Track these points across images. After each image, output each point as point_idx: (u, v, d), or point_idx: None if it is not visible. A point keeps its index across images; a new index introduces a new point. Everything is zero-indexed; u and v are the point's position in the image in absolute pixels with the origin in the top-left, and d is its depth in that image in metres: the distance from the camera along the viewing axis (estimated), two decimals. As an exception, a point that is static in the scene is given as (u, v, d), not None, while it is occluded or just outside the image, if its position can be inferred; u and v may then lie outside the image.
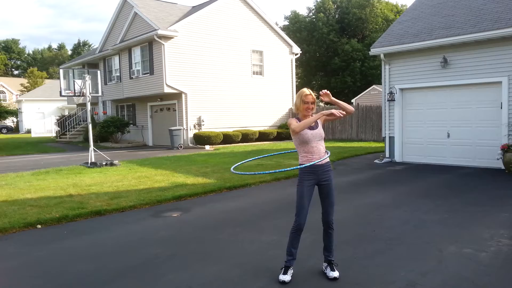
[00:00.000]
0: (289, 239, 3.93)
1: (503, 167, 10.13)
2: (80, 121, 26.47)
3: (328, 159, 3.97)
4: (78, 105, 27.34)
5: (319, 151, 3.87)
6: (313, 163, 3.81)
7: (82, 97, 13.15)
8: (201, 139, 18.95)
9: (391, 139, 12.70)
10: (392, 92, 12.41)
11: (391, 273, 3.99)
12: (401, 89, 12.42)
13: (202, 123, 19.85)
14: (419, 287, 3.67)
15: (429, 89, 11.88)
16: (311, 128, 3.88)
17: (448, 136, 11.53)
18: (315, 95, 3.97)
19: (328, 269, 3.95)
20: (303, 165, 3.83)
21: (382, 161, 12.56)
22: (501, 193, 7.61)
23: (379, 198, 7.48)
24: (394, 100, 12.43)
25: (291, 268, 3.91)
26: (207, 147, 18.61)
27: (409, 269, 4.07)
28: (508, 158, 9.76)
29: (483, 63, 10.67)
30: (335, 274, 3.89)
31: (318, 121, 3.93)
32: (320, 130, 3.93)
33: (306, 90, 3.92)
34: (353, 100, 35.96)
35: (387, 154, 12.83)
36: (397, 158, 12.56)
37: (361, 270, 4.10)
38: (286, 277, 3.83)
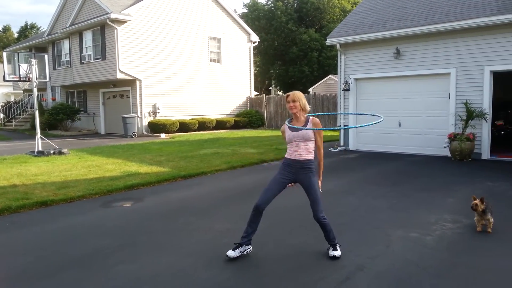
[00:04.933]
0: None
1: (449, 155, 10.61)
2: (27, 107, 25.15)
3: (308, 158, 4.02)
4: (25, 91, 25.90)
5: (296, 150, 4.02)
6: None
7: (28, 83, 12.44)
8: (156, 127, 18.54)
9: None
10: (347, 82, 12.63)
11: (341, 257, 4.06)
12: (356, 79, 12.66)
13: (157, 111, 19.40)
14: (367, 271, 3.75)
15: (382, 79, 12.19)
16: (295, 129, 4.02)
17: (400, 125, 11.91)
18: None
19: (330, 249, 4.11)
20: (284, 157, 4.18)
21: (337, 149, 12.81)
22: (447, 180, 7.96)
23: (332, 185, 7.60)
24: (349, 90, 12.66)
25: (243, 246, 4.06)
26: (163, 135, 18.25)
27: (358, 253, 4.16)
28: (454, 146, 10.22)
29: (434, 55, 11.05)
30: (333, 253, 4.05)
31: (309, 125, 4.02)
32: (303, 133, 3.98)
33: (289, 93, 4.09)
34: (310, 90, 36.40)
35: (341, 143, 13.09)
36: (351, 146, 12.85)
37: (312, 255, 4.14)
38: (231, 253, 4.01)
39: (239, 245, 4.07)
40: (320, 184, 4.11)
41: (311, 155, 4.05)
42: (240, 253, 4.06)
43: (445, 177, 8.22)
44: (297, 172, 4.04)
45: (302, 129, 3.99)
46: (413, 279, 3.59)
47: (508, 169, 9.03)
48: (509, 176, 8.21)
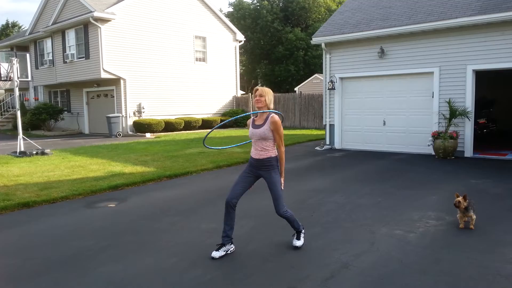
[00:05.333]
0: None
1: (433, 153, 10.74)
2: (9, 107, 24.66)
3: (267, 156, 4.07)
4: (6, 90, 25.40)
5: (256, 148, 4.11)
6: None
7: (9, 82, 12.21)
8: (141, 127, 18.37)
9: (331, 126, 13.03)
10: (333, 81, 12.69)
11: (326, 255, 4.08)
12: (341, 78, 12.72)
13: (142, 110, 19.22)
14: (352, 268, 3.78)
15: (367, 79, 12.27)
16: (256, 127, 4.10)
17: (384, 123, 12.01)
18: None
19: (294, 237, 4.35)
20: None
21: (323, 148, 12.86)
22: (431, 178, 8.05)
23: (318, 183, 7.63)
24: (334, 89, 12.72)
25: (226, 246, 4.13)
26: (148, 135, 18.09)
27: (343, 251, 4.18)
28: (438, 144, 10.35)
29: (417, 54, 11.17)
30: (295, 243, 4.29)
31: (268, 123, 4.03)
32: (261, 131, 4.04)
33: (257, 87, 4.16)
34: (296, 89, 36.49)
35: (327, 141, 13.15)
36: (337, 145, 12.92)
37: (297, 254, 4.15)
38: (215, 254, 4.08)
39: (222, 245, 4.13)
40: (282, 182, 4.14)
41: (270, 153, 4.08)
42: (224, 253, 4.11)
43: (429, 175, 8.32)
44: (259, 169, 4.14)
45: (259, 128, 4.07)
46: (397, 275, 3.62)
47: (490, 166, 9.18)
48: (491, 173, 8.34)
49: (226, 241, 4.14)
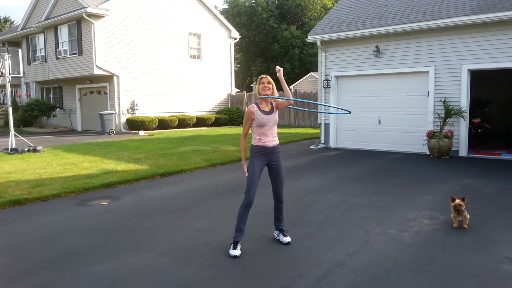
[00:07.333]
0: (238, 215, 4.13)
1: (428, 152, 10.75)
2: (0, 104, 24.45)
3: (278, 142, 4.31)
4: (-2, 86, 25.19)
5: (272, 134, 4.22)
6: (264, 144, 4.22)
7: (1, 78, 12.05)
8: (134, 124, 18.25)
9: (327, 125, 13.00)
10: (328, 79, 12.66)
11: (320, 254, 4.05)
12: (337, 77, 12.69)
13: (136, 108, 19.10)
14: (345, 267, 3.75)
15: (362, 77, 12.25)
16: (267, 113, 4.17)
17: (379, 122, 12.00)
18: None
19: (281, 235, 4.41)
20: (256, 145, 4.22)
21: (318, 147, 12.84)
22: (426, 177, 8.05)
23: (313, 182, 7.61)
24: (329, 88, 12.69)
25: (239, 243, 4.11)
26: (141, 132, 17.98)
27: (337, 251, 4.16)
28: (433, 143, 10.36)
29: (413, 53, 11.16)
30: (288, 239, 4.35)
31: (274, 107, 4.25)
32: (275, 116, 4.24)
33: (263, 75, 4.37)
34: (291, 87, 36.47)
35: (322, 140, 13.12)
36: (332, 144, 12.90)
37: (291, 253, 4.13)
38: (237, 252, 4.04)
39: (238, 243, 4.11)
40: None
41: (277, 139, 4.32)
42: (240, 251, 4.09)
43: (423, 174, 8.32)
44: (270, 156, 4.24)
45: (272, 114, 4.20)
46: (391, 274, 3.60)
47: (484, 166, 9.20)
48: (485, 173, 8.37)
49: (241, 239, 4.13)
